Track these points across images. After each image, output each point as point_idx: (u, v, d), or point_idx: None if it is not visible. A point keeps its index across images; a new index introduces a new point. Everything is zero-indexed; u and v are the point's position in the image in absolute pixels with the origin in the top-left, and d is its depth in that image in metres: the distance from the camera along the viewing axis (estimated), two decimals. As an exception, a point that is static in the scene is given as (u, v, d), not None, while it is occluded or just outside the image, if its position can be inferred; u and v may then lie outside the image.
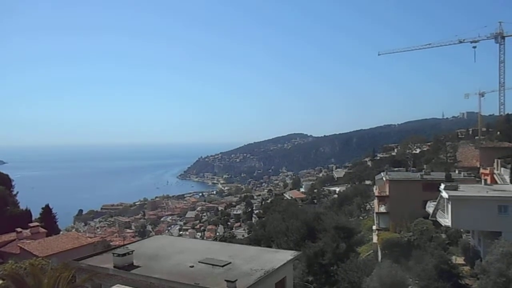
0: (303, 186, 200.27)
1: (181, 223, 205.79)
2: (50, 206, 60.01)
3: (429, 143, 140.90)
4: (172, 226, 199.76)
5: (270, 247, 50.14)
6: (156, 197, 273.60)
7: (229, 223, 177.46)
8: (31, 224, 48.60)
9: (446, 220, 42.01)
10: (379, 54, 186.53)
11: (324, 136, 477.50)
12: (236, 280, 25.21)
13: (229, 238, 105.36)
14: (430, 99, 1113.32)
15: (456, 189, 42.98)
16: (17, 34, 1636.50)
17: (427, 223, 45.10)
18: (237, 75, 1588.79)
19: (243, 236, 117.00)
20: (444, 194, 41.89)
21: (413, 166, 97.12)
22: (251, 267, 29.29)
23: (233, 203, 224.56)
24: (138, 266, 29.94)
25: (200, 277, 27.11)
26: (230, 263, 30.26)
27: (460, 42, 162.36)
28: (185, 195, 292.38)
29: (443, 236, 45.17)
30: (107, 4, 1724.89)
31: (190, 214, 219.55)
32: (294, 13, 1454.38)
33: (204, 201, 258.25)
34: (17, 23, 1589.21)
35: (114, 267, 29.68)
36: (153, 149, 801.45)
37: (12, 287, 19.25)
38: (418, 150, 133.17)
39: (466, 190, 43.35)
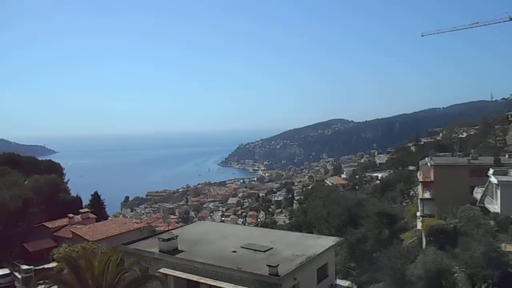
0: (344, 172, 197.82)
1: (223, 209, 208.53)
2: (99, 193, 62.86)
3: (476, 127, 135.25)
4: (214, 212, 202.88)
5: (311, 233, 50.13)
6: (199, 184, 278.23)
7: (270, 209, 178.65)
8: (81, 210, 51.11)
9: (495, 206, 40.60)
10: (422, 35, 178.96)
11: (366, 121, 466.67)
12: (278, 265, 25.48)
13: (271, 224, 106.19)
14: (477, 80, 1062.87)
15: (506, 174, 41.42)
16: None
17: (474, 210, 43.50)
18: (277, 62, 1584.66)
19: (284, 222, 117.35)
20: (493, 180, 40.47)
21: (459, 151, 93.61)
22: (293, 252, 29.49)
23: (274, 190, 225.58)
24: (182, 251, 30.87)
25: (243, 262, 27.60)
26: (271, 248, 30.59)
27: (511, 19, 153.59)
28: (226, 182, 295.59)
29: (492, 223, 43.47)
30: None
31: (232, 200, 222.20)
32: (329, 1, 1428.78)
33: (245, 187, 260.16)
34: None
35: (160, 251, 30.77)
36: (194, 137, 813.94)
37: (66, 268, 20.42)
38: (464, 134, 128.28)
39: (517, 175, 41.56)
